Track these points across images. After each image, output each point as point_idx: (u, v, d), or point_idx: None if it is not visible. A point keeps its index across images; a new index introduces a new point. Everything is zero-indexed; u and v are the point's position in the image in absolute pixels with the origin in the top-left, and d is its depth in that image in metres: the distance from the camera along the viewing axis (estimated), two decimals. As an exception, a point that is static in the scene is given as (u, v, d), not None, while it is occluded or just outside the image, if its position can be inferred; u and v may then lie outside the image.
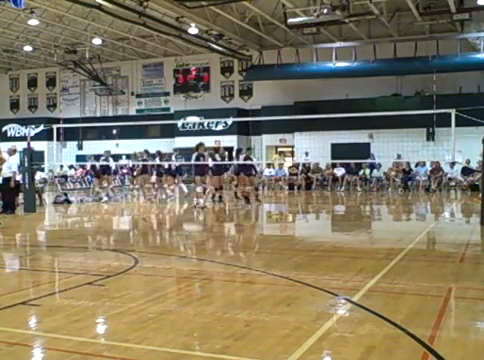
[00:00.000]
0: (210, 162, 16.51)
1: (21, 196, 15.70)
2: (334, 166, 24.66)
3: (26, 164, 14.93)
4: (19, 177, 15.59)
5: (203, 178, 16.48)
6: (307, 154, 25.40)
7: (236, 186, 17.57)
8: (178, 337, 4.40)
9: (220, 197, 17.43)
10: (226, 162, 18.19)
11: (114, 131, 30.63)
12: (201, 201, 15.95)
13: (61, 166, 27.12)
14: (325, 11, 18.02)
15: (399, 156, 22.80)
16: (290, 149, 28.02)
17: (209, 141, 28.80)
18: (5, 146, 15.65)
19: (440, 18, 21.92)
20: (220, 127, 28.73)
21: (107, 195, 19.37)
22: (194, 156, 16.35)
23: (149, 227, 13.25)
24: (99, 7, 20.47)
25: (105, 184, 19.76)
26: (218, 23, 23.01)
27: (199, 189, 16.21)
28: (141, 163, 19.23)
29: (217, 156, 17.06)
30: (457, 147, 12.49)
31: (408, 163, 23.44)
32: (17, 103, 36.17)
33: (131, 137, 29.01)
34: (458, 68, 24.01)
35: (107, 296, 5.70)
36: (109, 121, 29.58)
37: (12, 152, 14.62)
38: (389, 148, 23.42)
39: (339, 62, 25.79)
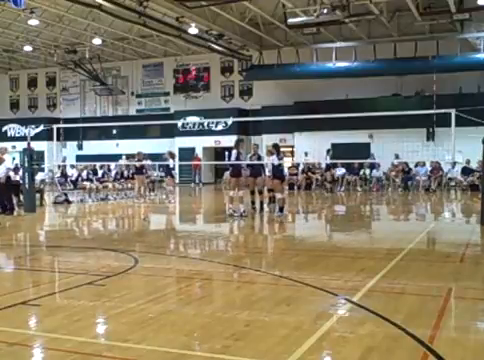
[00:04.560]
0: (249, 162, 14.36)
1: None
2: (334, 166, 24.64)
3: (26, 164, 14.92)
4: (18, 177, 15.59)
5: (249, 180, 14.08)
6: (307, 154, 25.41)
7: (272, 191, 14.65)
8: (178, 337, 4.39)
9: (261, 203, 14.61)
10: (262, 162, 15.17)
11: (114, 131, 30.60)
12: (231, 206, 13.56)
13: (59, 166, 27.08)
14: (325, 11, 18.05)
15: (397, 156, 22.78)
16: (290, 149, 28.01)
17: (209, 141, 28.98)
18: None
19: (440, 18, 21.90)
20: (220, 127, 28.76)
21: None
22: (233, 154, 13.73)
23: (149, 227, 13.26)
24: (99, 7, 20.48)
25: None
26: (218, 23, 23.01)
27: (234, 193, 13.64)
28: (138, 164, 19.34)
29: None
30: (457, 147, 12.48)
31: (406, 163, 23.43)
32: (17, 103, 36.19)
33: (131, 137, 29.01)
34: (458, 68, 23.98)
35: (107, 296, 5.70)
36: (109, 121, 29.63)
37: (4, 151, 14.61)
38: (389, 148, 23.44)
39: (339, 62, 25.78)
